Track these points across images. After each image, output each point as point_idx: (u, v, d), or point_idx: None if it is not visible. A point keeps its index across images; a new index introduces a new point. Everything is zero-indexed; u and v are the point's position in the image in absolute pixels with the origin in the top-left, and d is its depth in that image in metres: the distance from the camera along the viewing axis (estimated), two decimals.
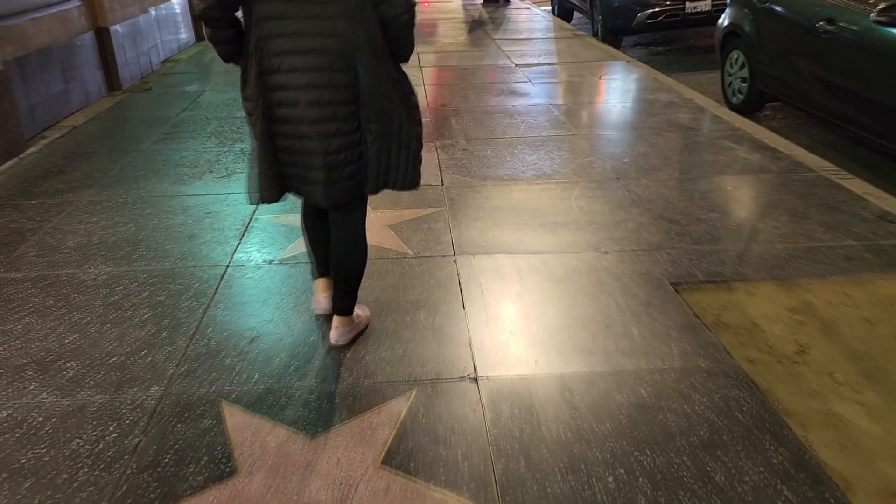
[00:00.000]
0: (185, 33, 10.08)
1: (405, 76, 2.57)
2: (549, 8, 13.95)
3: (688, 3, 9.64)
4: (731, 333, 2.93)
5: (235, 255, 3.73)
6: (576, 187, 4.53)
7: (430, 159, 5.15)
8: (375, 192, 2.56)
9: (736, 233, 3.85)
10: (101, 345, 2.94)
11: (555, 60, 8.75)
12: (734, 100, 6.87)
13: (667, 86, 7.28)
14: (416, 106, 2.60)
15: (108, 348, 2.92)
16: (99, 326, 3.08)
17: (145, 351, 2.90)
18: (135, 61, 7.96)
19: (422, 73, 8.12)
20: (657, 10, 9.72)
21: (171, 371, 2.76)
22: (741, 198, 4.32)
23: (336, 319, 2.83)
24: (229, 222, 4.15)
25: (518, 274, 3.46)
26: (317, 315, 3.11)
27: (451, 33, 11.10)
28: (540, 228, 3.96)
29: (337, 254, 2.73)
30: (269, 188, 2.50)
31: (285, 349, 2.88)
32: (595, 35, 10.66)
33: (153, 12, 8.63)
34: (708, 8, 9.67)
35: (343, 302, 2.80)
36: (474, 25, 11.96)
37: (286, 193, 2.58)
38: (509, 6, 14.25)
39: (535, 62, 8.64)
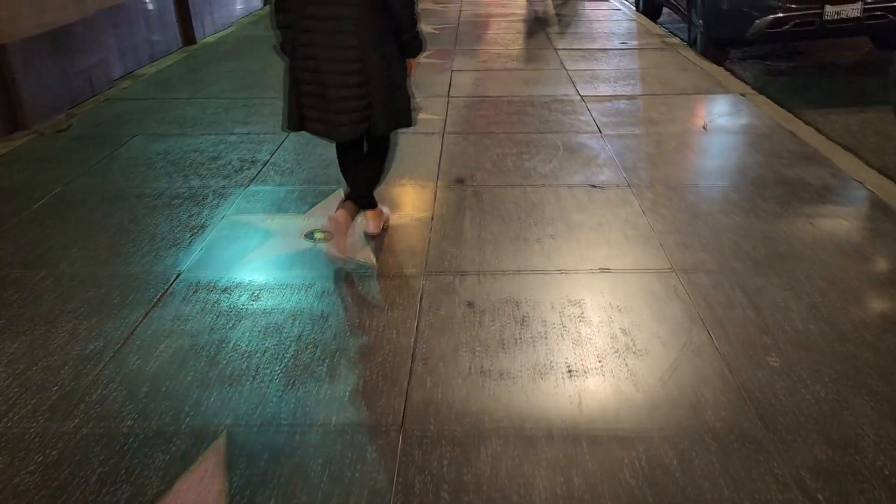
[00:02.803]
0: (162, 35, 7.96)
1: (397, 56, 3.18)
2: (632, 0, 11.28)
3: (828, 7, 6.93)
4: None
5: None
6: (677, 454, 2.14)
7: (401, 325, 2.84)
8: (386, 132, 3.34)
9: None
10: None
11: (637, 90, 6.23)
12: None
13: (811, 149, 4.72)
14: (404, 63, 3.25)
15: None
16: None
17: None
18: (60, 86, 5.87)
19: (447, 108, 5.75)
20: (783, 15, 7.05)
21: None
22: None
23: (369, 213, 3.58)
24: None
25: None
26: None
27: (503, 39, 8.66)
28: None
29: (362, 171, 3.47)
30: (292, 122, 3.26)
31: None
32: (692, 44, 8.05)
33: (98, 16, 6.50)
34: (857, 14, 6.95)
35: (370, 201, 3.55)
36: (535, 26, 9.47)
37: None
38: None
39: (610, 93, 6.15)
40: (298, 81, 3.14)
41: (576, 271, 3.24)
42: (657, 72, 6.84)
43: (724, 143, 4.87)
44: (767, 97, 6.06)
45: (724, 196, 4.01)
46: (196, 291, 3.14)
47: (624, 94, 6.12)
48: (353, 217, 3.40)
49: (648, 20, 9.81)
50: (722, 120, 5.36)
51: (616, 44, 8.21)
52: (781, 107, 5.81)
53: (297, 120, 3.24)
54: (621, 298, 3.01)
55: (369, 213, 3.59)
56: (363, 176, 3.47)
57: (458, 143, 4.96)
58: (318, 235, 3.65)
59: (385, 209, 3.72)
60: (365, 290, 3.14)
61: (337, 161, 3.53)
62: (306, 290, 3.14)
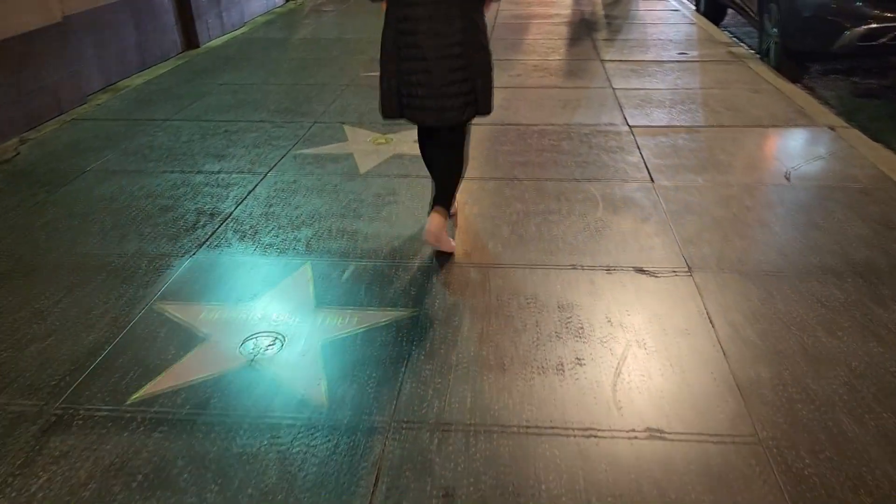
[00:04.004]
0: (157, 40, 7.08)
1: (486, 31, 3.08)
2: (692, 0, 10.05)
3: None
4: None
5: None
6: None
7: None
8: (487, 112, 3.13)
9: None
10: None
11: (698, 119, 5.11)
12: None
13: None
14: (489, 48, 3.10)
15: None
16: None
17: None
18: (15, 106, 5.03)
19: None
20: (877, 26, 5.84)
21: None
22: None
23: (434, 210, 3.19)
24: None
25: None
26: None
27: (542, 46, 7.57)
28: None
29: (441, 163, 3.29)
30: (391, 109, 3.09)
31: None
32: (764, 56, 6.86)
33: (71, 20, 5.63)
34: None
35: (442, 198, 3.22)
36: (581, 31, 8.35)
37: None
38: None
39: (665, 123, 5.04)
40: (400, 68, 3.01)
41: (611, 433, 2.20)
42: (723, 93, 5.69)
43: (815, 204, 3.75)
44: (860, 129, 4.89)
45: (823, 296, 2.90)
46: (59, 457, 2.18)
47: (682, 124, 5.00)
48: (445, 218, 3.22)
49: (711, 24, 8.60)
50: (809, 166, 4.22)
51: (673, 54, 7.05)
52: (877, 141, 4.65)
53: (395, 107, 3.08)
54: (678, 494, 1.96)
55: (438, 209, 3.20)
56: (446, 171, 3.28)
57: (470, 194, 3.93)
58: (260, 343, 2.68)
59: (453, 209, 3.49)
60: (297, 456, 2.16)
61: (421, 154, 3.46)
62: (220, 442, 2.18)
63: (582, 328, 2.72)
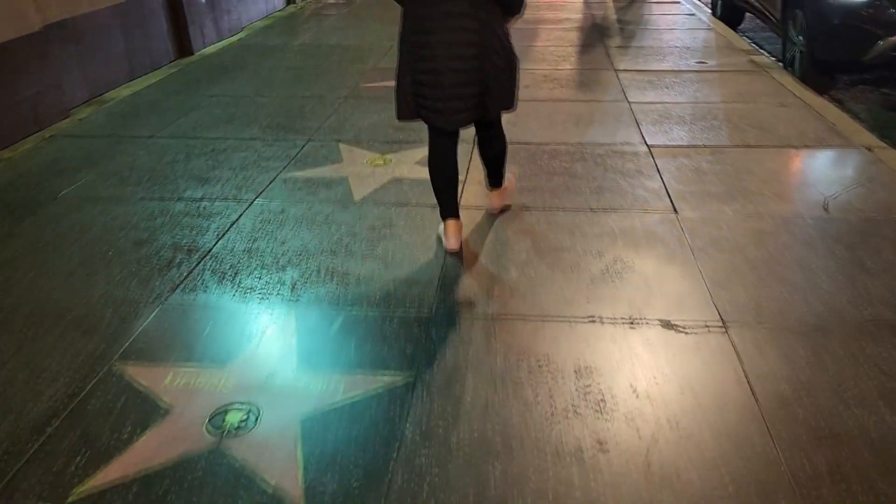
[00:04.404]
0: (146, 47, 6.74)
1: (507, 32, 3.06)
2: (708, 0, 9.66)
3: None
4: None
5: None
6: None
7: None
8: (497, 114, 3.17)
9: None
10: None
11: (722, 138, 4.72)
12: None
13: None
14: (512, 48, 3.08)
15: None
16: None
17: None
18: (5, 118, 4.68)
19: (469, 162, 4.32)
20: None
21: None
22: None
23: (493, 192, 3.62)
24: None
25: None
26: None
27: (552, 54, 7.18)
28: None
29: (487, 149, 3.42)
30: (408, 110, 3.06)
31: None
32: (788, 65, 6.46)
33: (50, 30, 5.28)
34: None
35: (496, 179, 3.56)
36: (592, 37, 7.96)
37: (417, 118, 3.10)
38: None
39: (686, 142, 4.66)
40: (414, 69, 2.97)
41: None
42: (747, 108, 5.30)
43: (859, 240, 3.36)
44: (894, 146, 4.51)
45: (881, 359, 2.52)
46: None
47: (705, 144, 4.62)
48: (502, 190, 3.62)
49: (729, 29, 8.19)
50: (848, 194, 3.83)
51: (691, 63, 6.65)
52: None
53: (412, 107, 3.05)
54: None
55: (495, 191, 3.62)
56: (493, 152, 3.42)
57: (474, 227, 3.56)
58: (230, 419, 2.32)
59: (509, 177, 3.72)
60: None
61: (431, 173, 3.24)
62: None
63: (603, 401, 2.35)
